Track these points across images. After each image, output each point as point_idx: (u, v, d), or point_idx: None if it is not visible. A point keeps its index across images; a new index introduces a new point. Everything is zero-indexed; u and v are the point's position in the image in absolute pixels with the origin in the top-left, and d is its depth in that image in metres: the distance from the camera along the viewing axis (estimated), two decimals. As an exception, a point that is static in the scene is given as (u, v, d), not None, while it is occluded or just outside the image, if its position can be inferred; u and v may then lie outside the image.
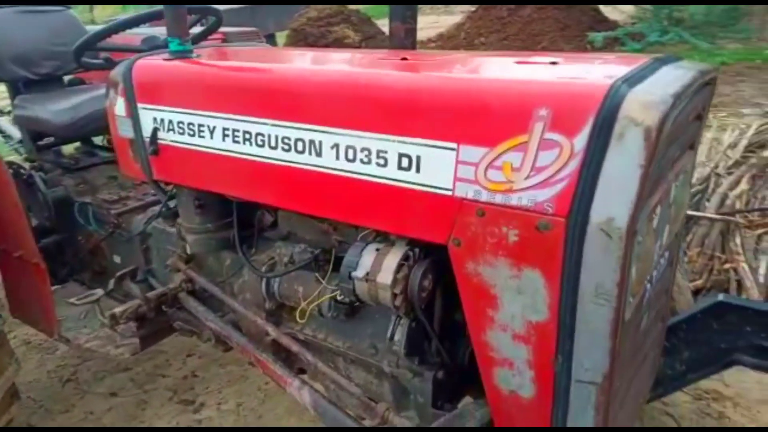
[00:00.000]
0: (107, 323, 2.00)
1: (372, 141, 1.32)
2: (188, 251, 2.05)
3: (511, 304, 1.22)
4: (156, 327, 2.21)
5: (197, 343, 3.21)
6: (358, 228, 1.64)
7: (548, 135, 1.09)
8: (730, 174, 4.73)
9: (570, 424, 1.26)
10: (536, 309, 1.19)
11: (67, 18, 2.91)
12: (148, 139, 1.79)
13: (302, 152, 1.46)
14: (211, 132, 1.64)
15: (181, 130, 1.71)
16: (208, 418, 2.72)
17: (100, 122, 2.45)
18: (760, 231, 3.91)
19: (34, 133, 2.70)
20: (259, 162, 1.56)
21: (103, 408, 2.82)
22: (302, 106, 1.44)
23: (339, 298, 1.59)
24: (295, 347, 1.75)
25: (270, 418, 2.72)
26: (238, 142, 1.58)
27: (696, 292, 3.27)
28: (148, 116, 1.79)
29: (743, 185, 4.46)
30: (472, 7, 14.07)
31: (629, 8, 13.60)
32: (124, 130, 1.88)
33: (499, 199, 1.16)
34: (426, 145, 1.24)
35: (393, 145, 1.29)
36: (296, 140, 1.46)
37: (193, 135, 1.68)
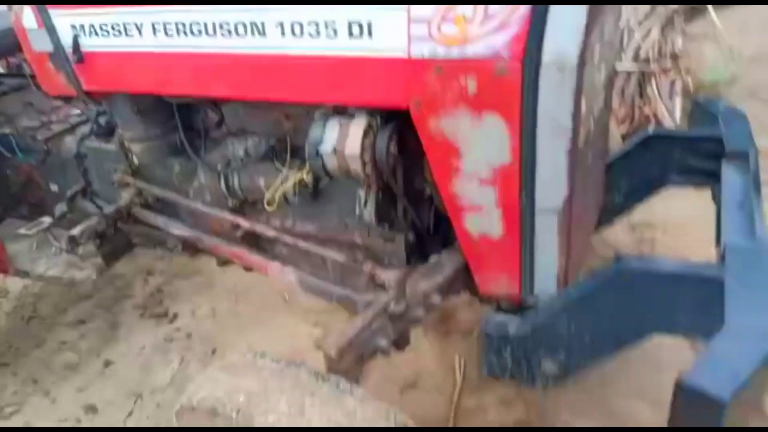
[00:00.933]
0: (66, 247, 1.96)
1: (319, 12, 1.30)
2: (135, 162, 1.99)
3: (475, 152, 1.30)
4: (116, 244, 2.18)
5: (153, 262, 3.23)
6: (310, 111, 1.65)
7: (496, -20, 1.12)
8: (641, 25, 4.91)
9: (537, 253, 1.41)
10: (499, 153, 1.28)
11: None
12: (69, 49, 1.66)
13: (244, 35, 1.41)
14: (139, 29, 1.54)
15: (105, 33, 1.60)
16: (186, 325, 2.80)
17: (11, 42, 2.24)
18: (673, 76, 4.16)
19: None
20: (197, 54, 1.50)
21: (74, 336, 2.82)
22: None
23: (305, 178, 1.62)
24: (270, 232, 1.79)
25: (247, 316, 2.83)
26: (171, 35, 1.51)
27: (622, 139, 3.53)
28: (64, 23, 1.65)
29: (654, 34, 4.66)
30: None
31: None
32: (39, 43, 1.73)
33: (455, 52, 1.20)
34: (377, 9, 1.24)
35: (342, 14, 1.28)
36: (236, 24, 1.41)
37: (120, 35, 1.58)
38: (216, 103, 1.84)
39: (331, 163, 1.43)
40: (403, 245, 1.70)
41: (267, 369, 1.21)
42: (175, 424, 1.39)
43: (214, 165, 1.85)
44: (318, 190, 1.77)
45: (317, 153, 1.43)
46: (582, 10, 1.12)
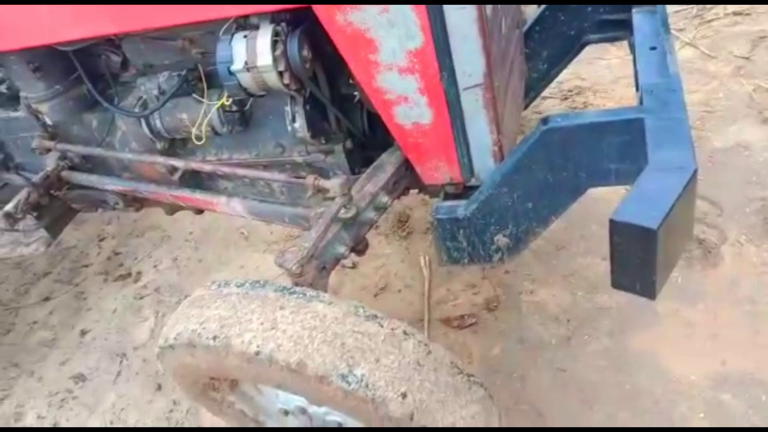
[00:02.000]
0: (4, 225, 1.88)
1: None
2: (49, 123, 1.89)
3: (388, 40, 1.28)
4: (56, 213, 2.11)
5: (102, 227, 3.16)
6: (214, 30, 1.57)
7: None
8: None
9: (469, 130, 1.43)
10: (411, 36, 1.26)
11: None
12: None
13: (124, -39, 1.31)
14: (9, -26, 1.41)
15: (-28, -13, 1.46)
16: (152, 281, 2.79)
17: None
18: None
19: None
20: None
21: (43, 313, 2.80)
22: None
23: (226, 103, 1.58)
24: (207, 167, 1.76)
25: (210, 259, 2.84)
26: (45, -25, 1.39)
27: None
28: None
29: None
30: None
31: None
32: None
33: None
34: None
35: None
36: (111, -51, 1.30)
37: (-10, -14, 1.44)
38: (116, 44, 1.74)
39: (246, 80, 1.38)
40: (343, 155, 1.70)
41: (233, 294, 1.23)
42: (160, 370, 1.43)
43: (131, 110, 1.77)
44: (246, 117, 1.73)
45: (230, 72, 1.38)
46: None
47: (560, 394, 1.87)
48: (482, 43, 1.27)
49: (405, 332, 1.19)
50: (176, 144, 1.88)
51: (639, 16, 1.75)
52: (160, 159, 1.82)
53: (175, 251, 2.93)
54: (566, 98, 3.03)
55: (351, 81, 1.62)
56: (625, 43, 2.77)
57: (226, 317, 1.19)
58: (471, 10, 1.20)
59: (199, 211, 2.16)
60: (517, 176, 1.43)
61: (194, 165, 1.77)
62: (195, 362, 1.27)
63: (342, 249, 1.51)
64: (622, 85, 3.01)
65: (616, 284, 1.17)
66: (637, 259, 1.09)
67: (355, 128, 1.71)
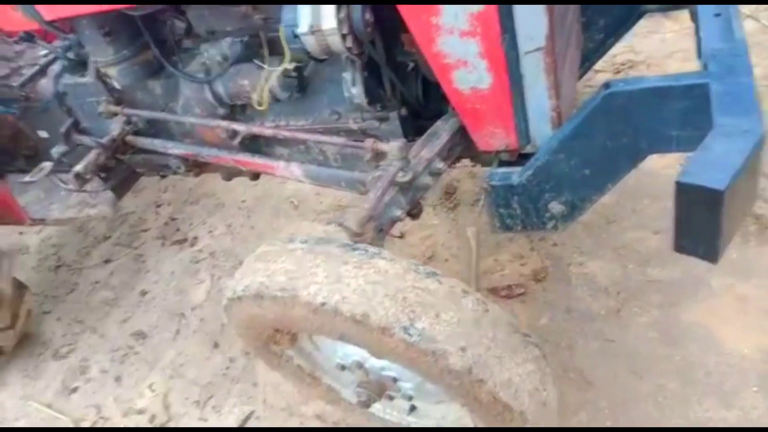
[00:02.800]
0: (74, 185, 2.00)
1: None
2: (117, 87, 1.97)
3: (451, 2, 1.29)
4: (122, 175, 2.22)
5: (159, 194, 3.29)
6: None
7: None
8: None
9: (528, 96, 1.44)
10: None
11: None
12: (19, -21, 1.61)
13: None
14: (87, -58, 1.48)
15: (51, -45, 1.53)
16: (207, 246, 2.91)
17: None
18: None
19: None
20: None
21: (104, 274, 2.95)
22: None
23: (288, 67, 1.62)
24: (268, 132, 1.81)
25: (262, 227, 2.93)
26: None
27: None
28: (5, -48, 1.58)
29: None
30: None
31: None
32: (-15, -20, 1.66)
33: None
34: None
35: None
36: None
37: (68, -46, 1.52)
38: (180, 10, 1.80)
39: (311, 43, 1.42)
40: (398, 122, 1.73)
41: (299, 249, 1.29)
42: (224, 320, 1.51)
43: (195, 75, 1.84)
44: (304, 84, 1.78)
45: (295, 36, 1.42)
46: None
47: (609, 364, 1.89)
48: (546, 7, 1.27)
49: (463, 290, 1.23)
50: (236, 110, 1.94)
51: (703, -19, 1.70)
52: (223, 123, 1.88)
53: (228, 218, 3.03)
54: (618, 71, 2.97)
55: (406, 48, 1.65)
56: (680, 16, 2.70)
57: (293, 270, 1.25)
58: (536, -29, 1.21)
59: (255, 177, 2.24)
60: (576, 142, 1.43)
61: (255, 129, 1.83)
62: (262, 313, 1.34)
63: (398, 212, 1.55)
64: (677, 59, 2.92)
65: (679, 247, 1.17)
66: (702, 222, 1.09)
67: (409, 96, 1.73)
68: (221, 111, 1.90)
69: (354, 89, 1.65)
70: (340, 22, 1.37)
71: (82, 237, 3.25)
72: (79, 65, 2.12)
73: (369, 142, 1.56)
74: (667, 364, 1.85)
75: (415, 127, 1.82)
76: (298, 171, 1.82)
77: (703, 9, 1.58)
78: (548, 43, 1.33)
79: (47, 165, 2.10)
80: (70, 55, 2.11)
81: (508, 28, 1.30)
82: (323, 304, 1.18)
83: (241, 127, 1.85)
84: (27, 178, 2.06)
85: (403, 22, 1.53)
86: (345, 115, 1.81)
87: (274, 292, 1.25)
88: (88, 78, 2.06)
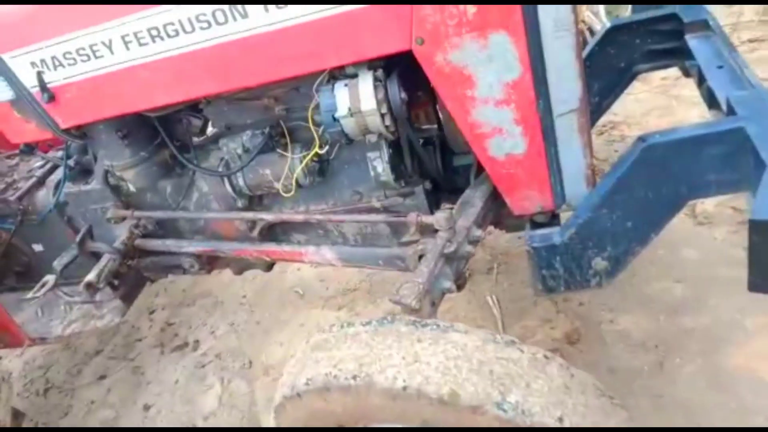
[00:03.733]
0: (84, 296, 1.87)
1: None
2: (132, 190, 1.91)
3: (486, 74, 1.33)
4: (131, 282, 2.11)
5: (150, 299, 3.14)
6: (299, 87, 1.63)
7: None
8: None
9: (563, 157, 1.46)
10: (510, 68, 1.31)
11: None
12: (35, 89, 1.58)
13: (225, 23, 1.38)
14: (109, 47, 1.47)
15: (71, 61, 1.52)
16: (211, 348, 2.74)
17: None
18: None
19: None
20: (179, 56, 1.45)
21: (101, 393, 2.73)
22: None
23: (321, 152, 1.61)
24: (299, 218, 1.77)
25: (268, 320, 2.80)
26: (145, 44, 1.45)
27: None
28: (22, 64, 1.55)
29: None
30: None
31: None
32: (-5, 94, 1.63)
33: (449, -20, 1.22)
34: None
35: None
36: (214, 12, 1.37)
37: (89, 59, 1.51)
38: (197, 108, 1.80)
39: (350, 125, 1.43)
40: (423, 196, 1.73)
41: (363, 332, 1.22)
42: (272, 423, 1.39)
43: (215, 170, 1.81)
44: (324, 167, 1.77)
45: (334, 120, 1.42)
46: None
47: (664, 419, 1.81)
48: (579, 69, 1.32)
49: (545, 356, 1.17)
50: (253, 200, 1.91)
51: (694, 41, 1.82)
52: (248, 215, 1.84)
53: (230, 316, 2.90)
54: (602, 133, 3.10)
55: (422, 123, 1.69)
56: (648, 77, 2.88)
57: (363, 355, 1.17)
58: (569, 37, 1.26)
59: (269, 268, 2.17)
60: (617, 196, 1.44)
61: (285, 217, 1.78)
62: (327, 407, 1.23)
63: (448, 283, 1.50)
64: (654, 116, 3.09)
65: (755, 286, 1.16)
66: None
67: (431, 169, 1.74)
68: (240, 203, 1.86)
69: (380, 167, 1.65)
70: (379, 102, 1.39)
71: (71, 354, 3.03)
72: (81, 173, 2.07)
73: (412, 216, 1.54)
74: (723, 412, 1.79)
75: (437, 200, 1.82)
76: (330, 254, 1.76)
77: (704, 63, 1.69)
78: (581, 104, 1.37)
79: (51, 278, 1.98)
80: (71, 163, 2.06)
81: (542, 93, 1.34)
82: (404, 387, 1.10)
83: (268, 216, 1.80)
84: (29, 295, 1.92)
85: (426, 97, 1.58)
86: (367, 194, 1.80)
87: (344, 381, 1.16)
88: (94, 184, 2.00)
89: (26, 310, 2.23)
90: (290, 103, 1.68)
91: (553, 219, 1.68)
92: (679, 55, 1.98)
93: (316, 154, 1.62)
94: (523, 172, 1.50)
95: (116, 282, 2.04)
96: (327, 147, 1.65)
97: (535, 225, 1.67)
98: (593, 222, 1.49)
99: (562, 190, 1.54)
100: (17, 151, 2.32)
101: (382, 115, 1.40)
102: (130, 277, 2.10)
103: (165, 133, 1.80)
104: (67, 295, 1.98)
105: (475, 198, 1.65)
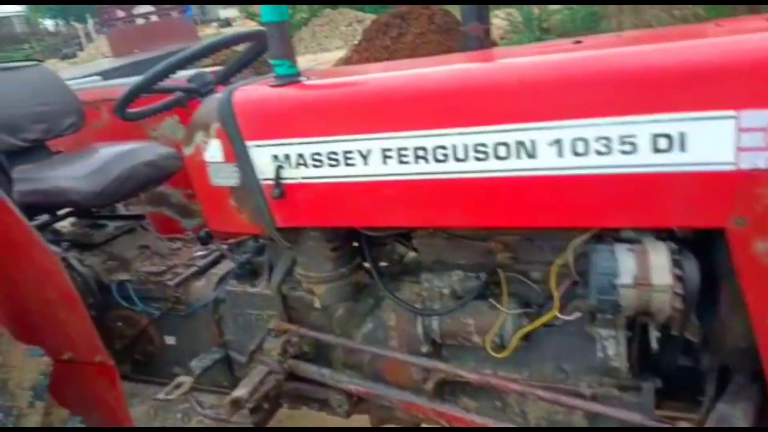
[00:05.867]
0: (226, 413, 1.63)
1: (612, 127, 1.17)
2: (317, 305, 1.73)
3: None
4: (271, 406, 1.85)
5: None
6: (532, 238, 1.48)
7: None
8: None
9: None
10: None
11: (43, 73, 2.46)
12: (267, 182, 1.50)
13: (506, 158, 1.27)
14: (365, 157, 1.39)
15: (317, 163, 1.45)
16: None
17: (134, 182, 2.12)
18: None
19: (39, 208, 2.21)
20: (436, 180, 1.35)
21: None
22: (505, 105, 1.26)
23: (559, 315, 1.40)
24: (493, 380, 1.52)
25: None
26: (406, 162, 1.36)
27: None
28: (264, 155, 1.50)
29: None
30: (354, 40, 14.23)
31: (502, 22, 14.42)
32: (222, 177, 1.57)
33: (797, 160, 1.06)
34: (692, 119, 1.12)
35: (644, 127, 1.15)
36: (496, 145, 1.27)
37: (337, 165, 1.43)
38: (406, 235, 1.67)
39: (630, 297, 1.21)
40: (653, 395, 1.44)
41: None
42: None
43: (413, 306, 1.62)
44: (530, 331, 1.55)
45: (613, 287, 1.22)
46: None
47: None
48: None
49: None
50: (436, 348, 1.68)
51: None
52: (427, 362, 1.60)
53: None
54: None
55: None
56: None
57: None
58: None
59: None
60: None
61: (495, 382, 1.52)
62: None
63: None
64: None
65: None
66: None
67: (668, 365, 1.47)
68: (424, 348, 1.64)
69: (613, 350, 1.41)
70: (675, 278, 1.18)
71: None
72: (249, 273, 1.94)
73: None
74: None
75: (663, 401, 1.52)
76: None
77: None
78: None
79: (187, 380, 1.77)
80: (242, 259, 1.95)
81: None
82: None
83: (450, 369, 1.56)
84: (161, 395, 1.70)
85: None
86: (574, 375, 1.53)
87: None
88: (262, 288, 1.86)
89: (136, 407, 1.99)
90: (519, 252, 1.52)
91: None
92: None
93: (554, 317, 1.40)
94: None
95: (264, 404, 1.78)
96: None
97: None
98: None
99: None
100: (183, 236, 2.26)
101: (675, 294, 1.19)
102: (270, 400, 1.84)
103: (363, 255, 1.66)
104: (200, 406, 1.74)
105: (733, 417, 1.34)
